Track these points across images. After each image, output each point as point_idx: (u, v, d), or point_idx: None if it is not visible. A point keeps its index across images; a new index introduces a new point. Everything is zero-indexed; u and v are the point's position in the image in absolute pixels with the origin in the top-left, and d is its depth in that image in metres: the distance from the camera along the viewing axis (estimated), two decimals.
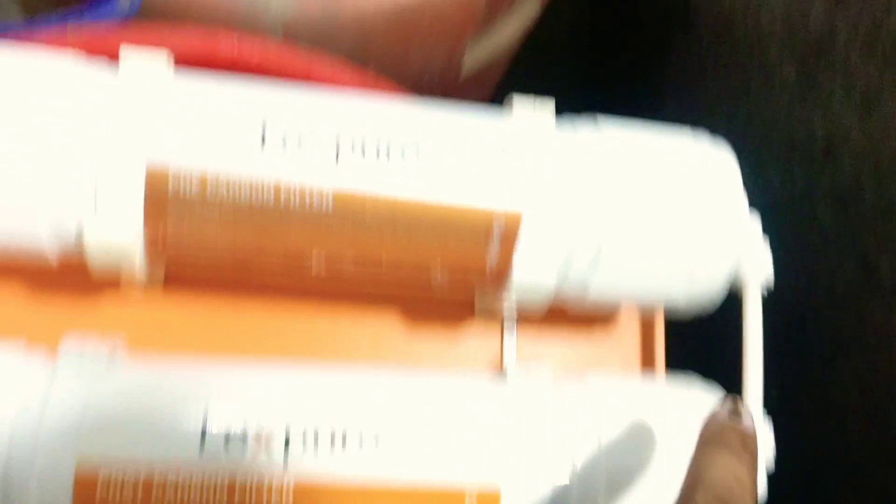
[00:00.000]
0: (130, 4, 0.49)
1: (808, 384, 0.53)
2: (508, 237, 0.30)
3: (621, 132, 0.32)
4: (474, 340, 0.36)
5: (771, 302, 0.52)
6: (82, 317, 0.32)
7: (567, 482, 0.28)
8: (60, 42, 0.37)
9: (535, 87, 0.40)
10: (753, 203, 0.37)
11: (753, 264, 0.33)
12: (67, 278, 0.32)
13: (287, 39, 0.51)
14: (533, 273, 0.30)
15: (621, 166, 0.31)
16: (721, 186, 0.32)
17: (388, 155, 0.29)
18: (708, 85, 0.66)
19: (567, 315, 0.36)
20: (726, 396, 0.28)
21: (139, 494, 0.25)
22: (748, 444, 0.26)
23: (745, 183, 0.35)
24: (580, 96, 0.56)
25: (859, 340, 0.48)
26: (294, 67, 0.41)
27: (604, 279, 0.31)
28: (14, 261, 0.31)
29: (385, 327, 0.35)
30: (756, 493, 0.25)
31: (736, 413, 0.27)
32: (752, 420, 0.27)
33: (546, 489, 0.28)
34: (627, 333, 0.37)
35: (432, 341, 0.35)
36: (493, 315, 0.36)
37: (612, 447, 0.29)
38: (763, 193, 0.54)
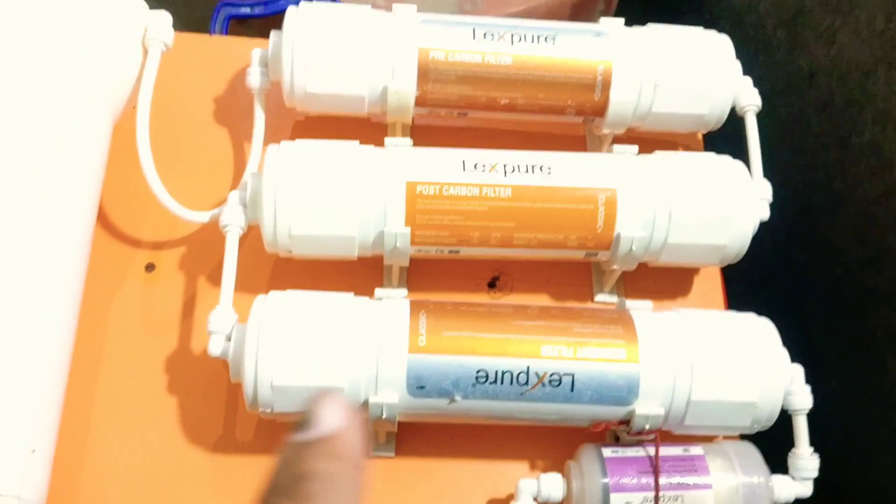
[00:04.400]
0: None
1: (817, 240, 0.76)
2: (606, 80, 0.55)
3: (662, 26, 0.58)
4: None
5: (793, 203, 0.76)
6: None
7: (648, 192, 0.52)
8: None
9: None
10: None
11: (746, 94, 0.58)
12: (370, 128, 0.58)
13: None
14: (622, 96, 0.55)
15: (661, 38, 0.57)
16: (720, 49, 0.57)
17: (539, 39, 0.55)
18: None
19: None
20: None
21: (436, 192, 0.50)
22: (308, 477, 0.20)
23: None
24: None
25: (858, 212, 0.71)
26: None
27: (660, 102, 0.56)
28: (346, 114, 0.57)
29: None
30: None
31: (302, 426, 0.21)
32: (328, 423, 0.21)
33: (641, 194, 0.52)
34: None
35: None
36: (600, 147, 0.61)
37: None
38: (770, 117, 0.79)
